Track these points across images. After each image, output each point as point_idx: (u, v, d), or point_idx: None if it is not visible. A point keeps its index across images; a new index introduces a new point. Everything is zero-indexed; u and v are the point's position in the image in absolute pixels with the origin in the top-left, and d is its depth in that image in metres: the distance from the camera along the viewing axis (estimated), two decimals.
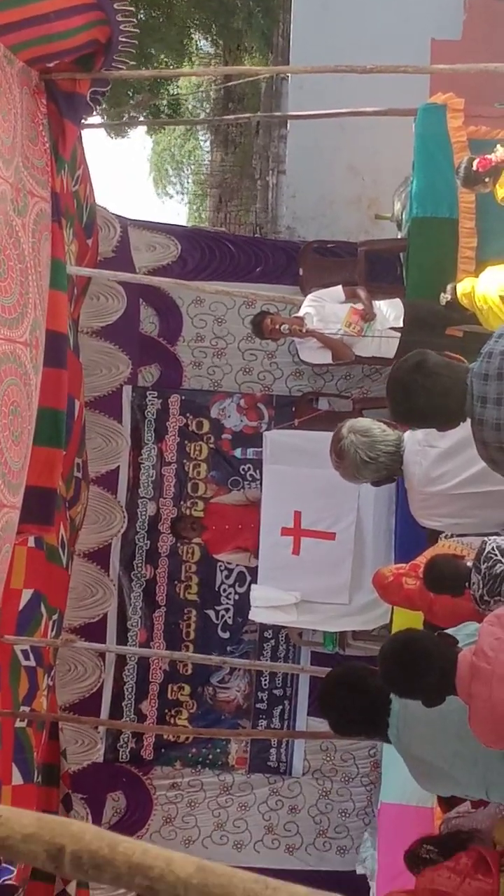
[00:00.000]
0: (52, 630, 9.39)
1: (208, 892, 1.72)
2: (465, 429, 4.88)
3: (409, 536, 7.87)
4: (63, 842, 1.75)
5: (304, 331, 9.17)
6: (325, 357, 9.32)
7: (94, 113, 8.87)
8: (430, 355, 4.83)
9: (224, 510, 10.51)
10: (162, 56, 16.48)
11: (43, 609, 9.07)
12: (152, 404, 10.59)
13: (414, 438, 6.26)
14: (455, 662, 4.40)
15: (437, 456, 6.16)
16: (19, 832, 1.77)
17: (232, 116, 15.23)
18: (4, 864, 7.30)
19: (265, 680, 10.46)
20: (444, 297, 8.03)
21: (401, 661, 4.52)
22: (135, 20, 7.76)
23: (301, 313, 9.29)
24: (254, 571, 10.17)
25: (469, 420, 4.78)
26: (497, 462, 4.77)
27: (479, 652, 4.34)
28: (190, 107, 21.20)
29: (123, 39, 7.62)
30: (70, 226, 8.77)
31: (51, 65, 7.49)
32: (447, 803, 6.31)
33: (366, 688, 4.96)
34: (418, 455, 6.23)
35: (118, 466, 10.58)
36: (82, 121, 8.54)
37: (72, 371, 8.14)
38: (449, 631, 4.84)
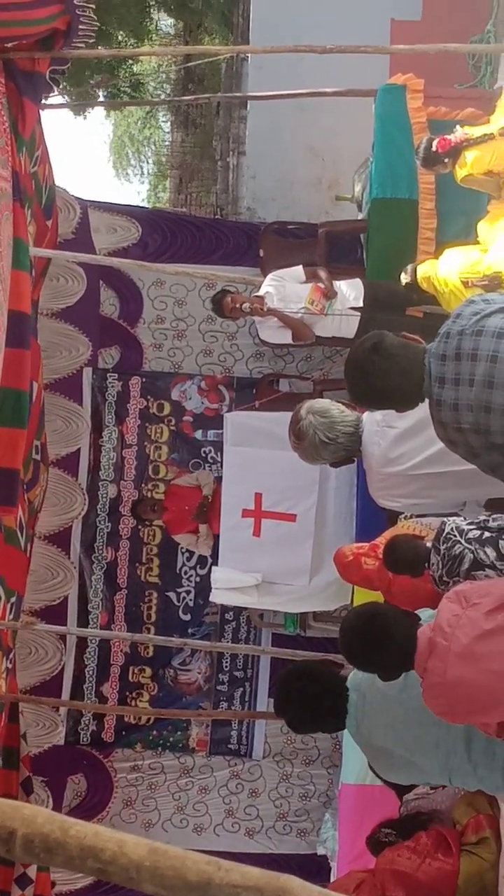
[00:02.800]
0: (11, 612, 9.36)
1: (161, 874, 1.72)
2: (423, 409, 4.86)
3: (371, 518, 7.89)
4: (14, 825, 1.74)
5: (264, 310, 9.14)
6: (286, 337, 9.29)
7: (55, 92, 8.82)
8: (387, 336, 4.81)
9: (183, 492, 10.50)
10: (121, 35, 16.40)
11: (1, 592, 9.04)
12: (113, 386, 10.56)
13: (373, 419, 6.26)
14: (415, 638, 4.41)
15: (396, 436, 6.16)
16: None
17: (191, 97, 15.17)
18: None
19: (226, 662, 10.47)
20: (404, 278, 8.04)
21: (362, 634, 4.52)
22: (93, 6, 7.74)
23: (261, 292, 9.27)
24: (215, 554, 10.16)
25: (427, 401, 4.77)
26: (455, 442, 4.75)
27: (437, 628, 4.35)
28: (150, 87, 21.12)
29: (83, 26, 7.60)
30: (28, 207, 8.71)
31: (9, 45, 7.45)
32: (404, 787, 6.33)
33: (321, 676, 4.97)
34: (377, 436, 6.23)
35: (79, 449, 10.55)
36: (42, 100, 8.50)
37: (31, 352, 8.10)
38: None
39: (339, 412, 6.27)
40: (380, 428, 6.23)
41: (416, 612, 4.89)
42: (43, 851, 1.73)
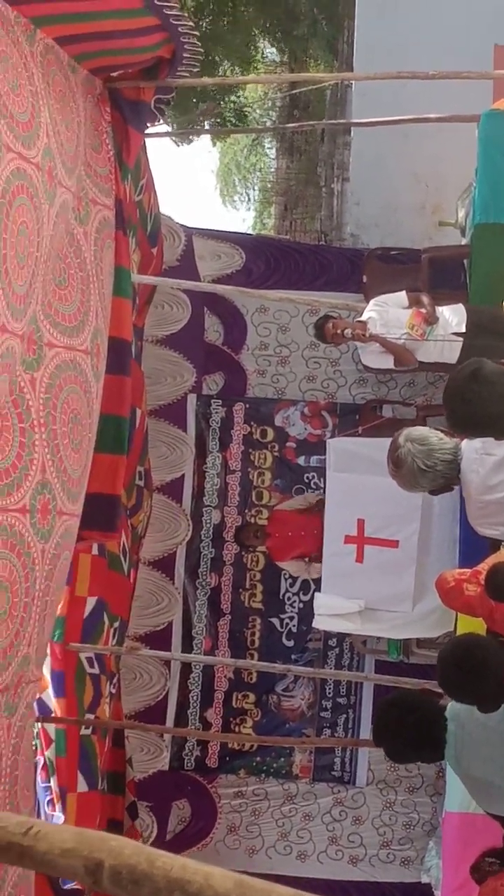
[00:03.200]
0: (114, 638, 9.43)
1: None
2: None
3: (474, 544, 7.81)
4: (101, 856, 1.75)
5: (366, 335, 9.12)
6: (388, 362, 9.26)
7: (159, 121, 8.88)
8: (486, 364, 4.80)
9: (287, 517, 10.49)
10: (227, 63, 16.48)
11: (105, 617, 9.12)
12: (217, 412, 10.61)
13: (471, 447, 6.21)
14: None
15: (495, 464, 6.10)
16: (58, 847, 1.77)
17: (295, 124, 15.15)
18: None
19: (329, 688, 10.43)
20: None
21: (460, 666, 4.51)
22: (198, 34, 7.76)
23: (364, 317, 9.24)
24: (317, 580, 10.15)
25: None
26: None
27: None
28: (256, 115, 21.20)
29: (187, 54, 7.63)
30: (133, 235, 8.78)
31: (115, 74, 7.52)
32: None
33: (419, 706, 4.95)
34: (475, 463, 6.17)
35: (183, 475, 10.60)
36: (147, 128, 8.57)
37: (133, 379, 8.15)
38: None
39: (438, 439, 6.22)
40: (479, 455, 6.18)
41: None
42: (130, 883, 1.74)
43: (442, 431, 6.36)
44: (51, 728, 8.42)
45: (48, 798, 8.29)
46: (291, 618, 10.49)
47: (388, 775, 10.32)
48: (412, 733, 4.95)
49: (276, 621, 10.51)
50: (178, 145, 18.65)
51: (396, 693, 5.41)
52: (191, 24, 7.46)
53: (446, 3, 10.97)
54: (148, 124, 8.40)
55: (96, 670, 8.95)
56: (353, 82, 12.94)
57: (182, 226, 10.56)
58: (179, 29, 7.19)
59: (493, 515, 6.26)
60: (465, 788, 5.49)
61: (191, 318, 10.54)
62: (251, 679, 10.46)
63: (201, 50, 7.76)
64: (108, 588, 9.15)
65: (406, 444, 6.15)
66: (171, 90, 8.23)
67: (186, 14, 7.57)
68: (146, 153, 9.17)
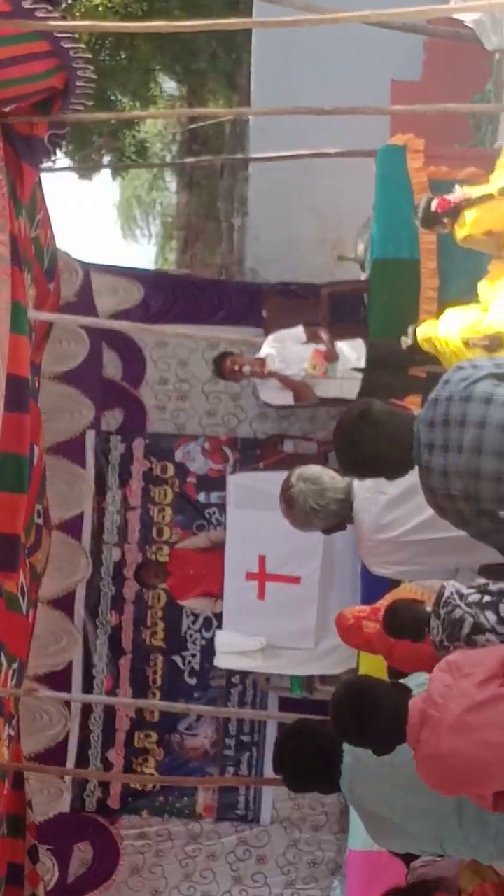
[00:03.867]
0: (13, 679, 9.27)
1: None
2: (414, 476, 4.82)
3: (376, 580, 7.77)
4: None
5: (265, 372, 9.12)
6: (287, 398, 9.27)
7: (54, 157, 8.82)
8: (375, 404, 4.78)
9: (188, 556, 10.42)
10: (126, 100, 16.42)
11: (3, 658, 8.96)
12: (116, 449, 10.51)
13: (364, 486, 6.16)
14: (406, 711, 4.35)
15: (387, 503, 6.06)
16: None
17: (194, 159, 15.22)
18: None
19: (232, 726, 10.35)
20: (405, 341, 7.96)
21: (351, 708, 4.47)
22: (92, 66, 7.71)
23: (262, 354, 9.25)
24: (220, 617, 10.09)
25: (417, 467, 4.73)
26: (445, 509, 4.71)
27: (429, 699, 4.30)
28: (157, 149, 21.17)
29: (80, 84, 7.58)
30: (29, 271, 8.70)
31: (7, 109, 7.45)
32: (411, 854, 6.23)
33: (316, 736, 4.91)
34: (368, 502, 6.12)
35: (82, 512, 10.49)
36: (41, 164, 8.50)
37: (31, 416, 8.06)
38: (401, 681, 4.79)
39: (330, 479, 6.17)
40: (371, 494, 6.13)
41: (408, 676, 4.83)
42: None
43: (334, 470, 6.32)
44: None
45: None
46: (194, 655, 10.41)
47: (293, 813, 10.25)
48: (309, 763, 4.91)
49: (178, 659, 10.42)
50: (81, 178, 18.61)
51: (296, 722, 5.35)
52: (83, 48, 7.42)
53: (343, 38, 10.96)
54: (42, 159, 8.33)
55: None
56: (252, 117, 12.94)
57: (79, 261, 10.50)
58: (71, 54, 7.14)
59: (386, 555, 6.22)
60: (361, 822, 5.45)
61: (89, 353, 10.45)
62: (153, 718, 10.36)
63: (94, 77, 7.70)
64: (5, 629, 9.01)
65: (298, 483, 6.09)
66: (65, 125, 8.18)
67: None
68: (41, 189, 9.11)
